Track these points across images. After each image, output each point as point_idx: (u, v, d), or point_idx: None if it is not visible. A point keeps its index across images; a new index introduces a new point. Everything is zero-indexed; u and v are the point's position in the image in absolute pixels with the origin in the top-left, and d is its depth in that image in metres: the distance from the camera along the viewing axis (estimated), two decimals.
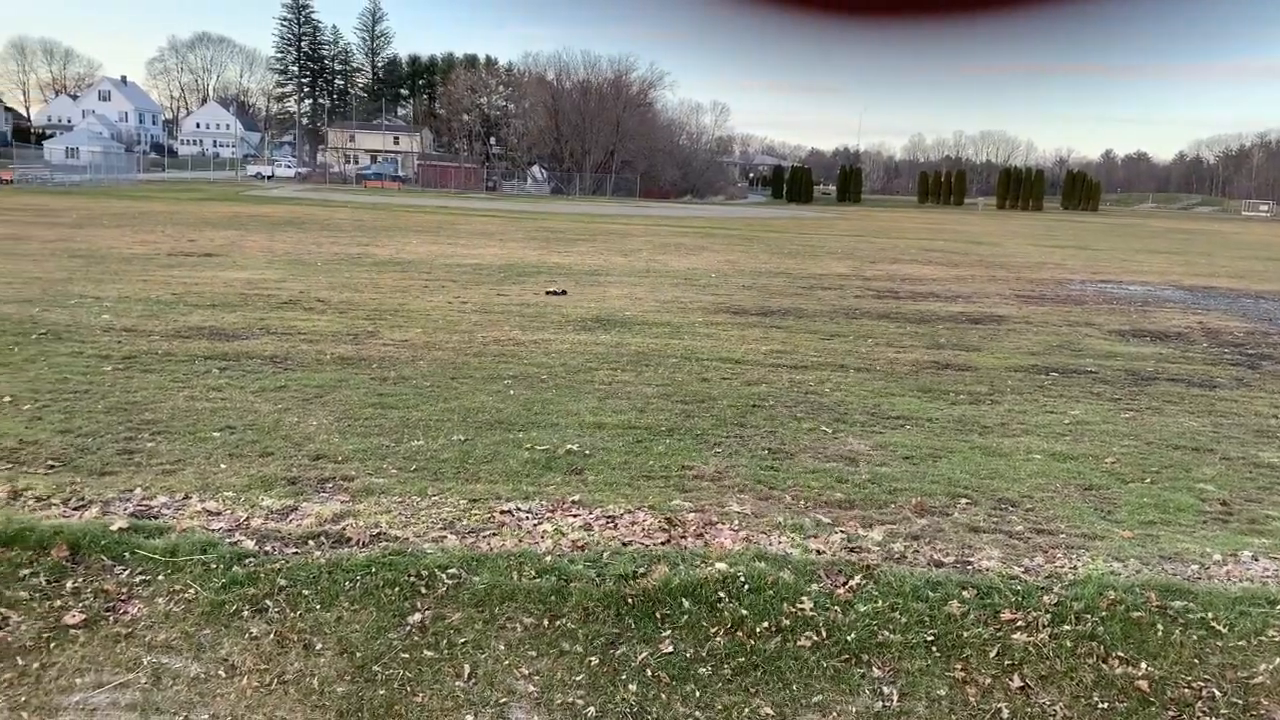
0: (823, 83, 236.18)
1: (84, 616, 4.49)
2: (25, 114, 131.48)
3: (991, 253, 32.58)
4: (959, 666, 4.30)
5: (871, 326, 13.90)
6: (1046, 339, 13.39)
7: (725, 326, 13.22)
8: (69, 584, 4.69)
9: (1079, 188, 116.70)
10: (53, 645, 4.34)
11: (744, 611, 4.52)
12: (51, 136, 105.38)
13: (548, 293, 10.18)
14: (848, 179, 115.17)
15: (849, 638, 4.39)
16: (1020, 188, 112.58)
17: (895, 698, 4.09)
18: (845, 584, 4.78)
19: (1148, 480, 6.89)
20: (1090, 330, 14.50)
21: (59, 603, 4.58)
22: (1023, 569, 5.14)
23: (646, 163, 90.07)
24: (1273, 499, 6.63)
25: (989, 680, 4.24)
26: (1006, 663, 4.33)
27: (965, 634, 4.48)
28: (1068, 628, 4.55)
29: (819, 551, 5.18)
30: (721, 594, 4.63)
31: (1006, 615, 4.61)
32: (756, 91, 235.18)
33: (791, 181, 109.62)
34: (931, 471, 6.81)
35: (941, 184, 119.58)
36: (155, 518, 5.35)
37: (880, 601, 4.65)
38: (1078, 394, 9.77)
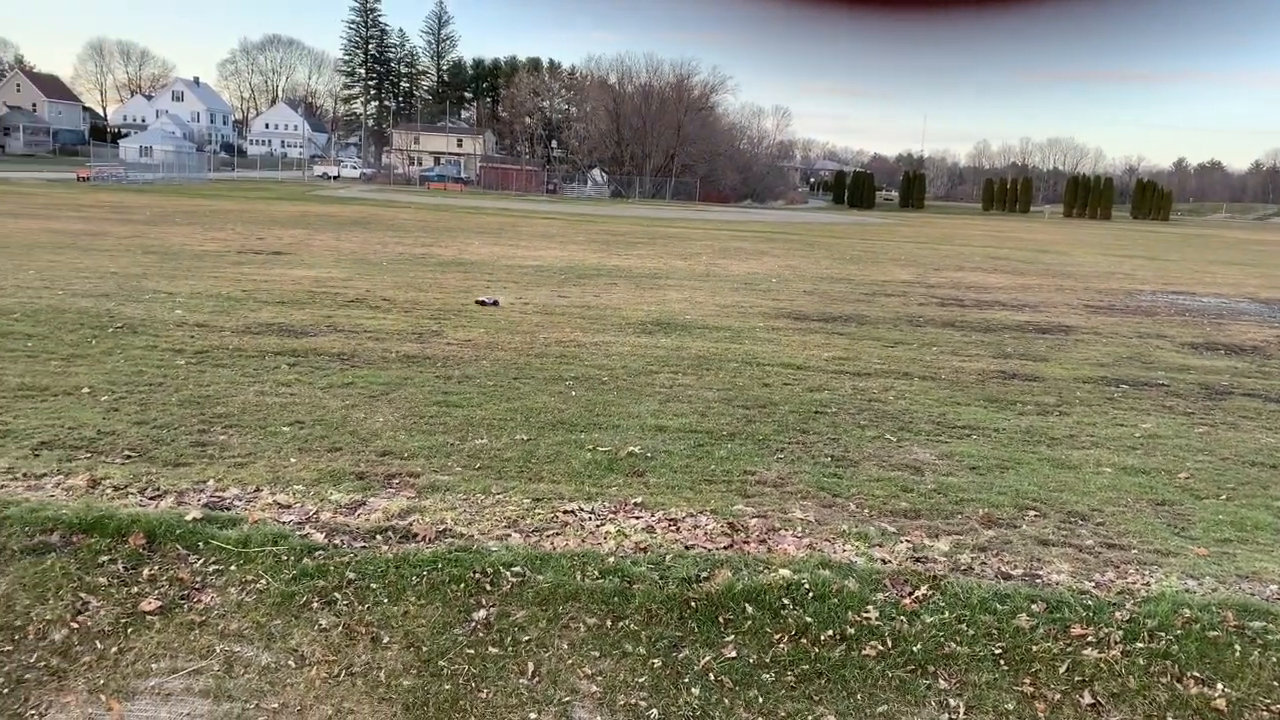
0: (886, 88, 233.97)
1: (160, 603, 4.60)
2: (102, 113, 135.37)
3: (1058, 261, 32.00)
4: (1028, 681, 4.23)
5: (936, 334, 13.73)
6: (1116, 350, 13.11)
7: (787, 332, 13.15)
8: (145, 571, 4.82)
9: (1149, 197, 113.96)
10: (130, 631, 4.46)
11: (808, 619, 4.49)
12: (127, 135, 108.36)
13: (478, 302, 9.64)
14: (911, 185, 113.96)
15: (915, 648, 4.34)
16: (1088, 196, 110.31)
17: (961, 710, 4.04)
18: (911, 594, 4.73)
19: (1223, 497, 6.71)
20: (1162, 342, 14.17)
21: (136, 589, 4.70)
22: (1093, 584, 5.03)
23: (707, 167, 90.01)
24: None
25: (1058, 696, 4.16)
26: (1077, 679, 4.24)
27: (1034, 648, 4.40)
28: (1141, 645, 4.45)
29: (884, 561, 5.12)
30: (785, 600, 4.61)
31: (1077, 630, 4.52)
32: (819, 96, 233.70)
33: (853, 187, 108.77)
34: (999, 482, 6.71)
35: (1007, 191, 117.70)
36: (228, 509, 5.47)
37: (947, 613, 4.59)
38: (1149, 407, 9.55)
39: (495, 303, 8.97)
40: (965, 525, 5.83)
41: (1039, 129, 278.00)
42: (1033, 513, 6.13)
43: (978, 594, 4.74)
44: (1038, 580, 5.06)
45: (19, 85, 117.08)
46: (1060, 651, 4.39)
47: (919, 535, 5.59)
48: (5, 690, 4.19)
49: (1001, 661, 4.32)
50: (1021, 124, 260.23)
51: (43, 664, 4.33)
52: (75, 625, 4.48)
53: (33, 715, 4.10)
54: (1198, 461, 7.57)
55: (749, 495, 6.17)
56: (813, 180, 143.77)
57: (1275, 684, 4.26)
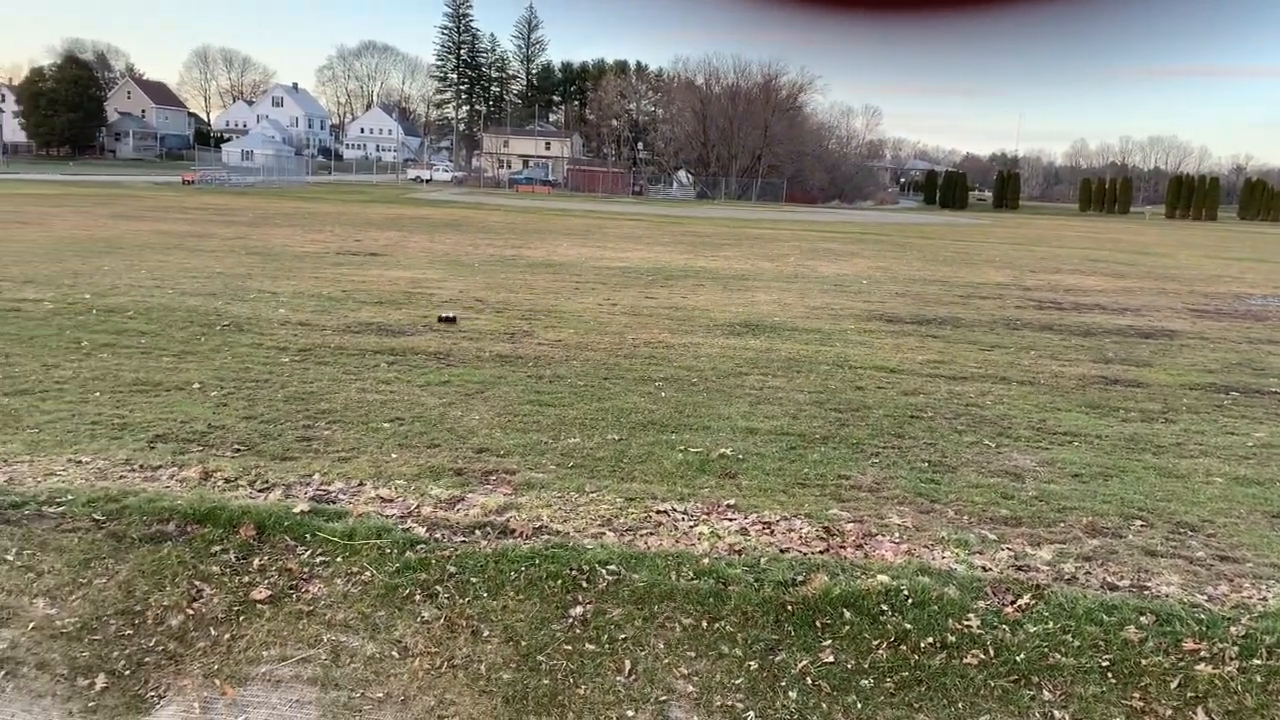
0: (979, 86, 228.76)
1: (270, 593, 4.77)
2: (206, 118, 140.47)
3: (1161, 264, 30.93)
4: (1137, 695, 4.11)
5: (1033, 338, 13.40)
6: (1225, 356, 12.62)
7: (879, 334, 12.98)
8: (256, 561, 4.99)
9: (1258, 197, 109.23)
10: (242, 619, 4.63)
11: (907, 625, 4.43)
12: (229, 140, 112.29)
13: (441, 319, 9.38)
14: (1005, 185, 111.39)
15: (1018, 658, 4.26)
16: (1192, 196, 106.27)
17: None
18: (1013, 602, 4.63)
19: None
20: (1274, 348, 13.59)
21: (247, 579, 4.88)
22: (1205, 597, 4.86)
23: (794, 167, 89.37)
24: None
25: (1170, 712, 4.03)
26: (1189, 695, 4.11)
27: (1144, 662, 4.27)
28: (1258, 662, 4.28)
29: (985, 568, 5.03)
30: (884, 606, 4.56)
31: (1189, 645, 4.37)
32: (910, 95, 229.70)
33: (945, 187, 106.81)
34: (1103, 490, 6.52)
35: (1105, 191, 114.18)
36: (333, 502, 5.63)
37: (1051, 623, 4.48)
38: (1261, 415, 9.17)
39: (454, 319, 8.65)
40: (1068, 534, 5.68)
41: (1139, 127, 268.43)
42: (1139, 522, 5.95)
43: (1083, 604, 4.62)
44: (1146, 592, 4.91)
45: (129, 92, 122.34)
46: (1171, 666, 4.26)
47: (1020, 543, 5.47)
48: (127, 672, 4.39)
49: (1109, 674, 4.21)
50: (1121, 122, 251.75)
51: (160, 648, 4.52)
52: (190, 612, 4.67)
53: (152, 697, 4.28)
54: None
55: (844, 499, 6.12)
56: (903, 180, 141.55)
57: None
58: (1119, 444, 7.79)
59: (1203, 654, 4.33)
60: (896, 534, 5.52)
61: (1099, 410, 8.98)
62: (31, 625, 4.60)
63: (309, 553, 5.02)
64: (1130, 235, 55.00)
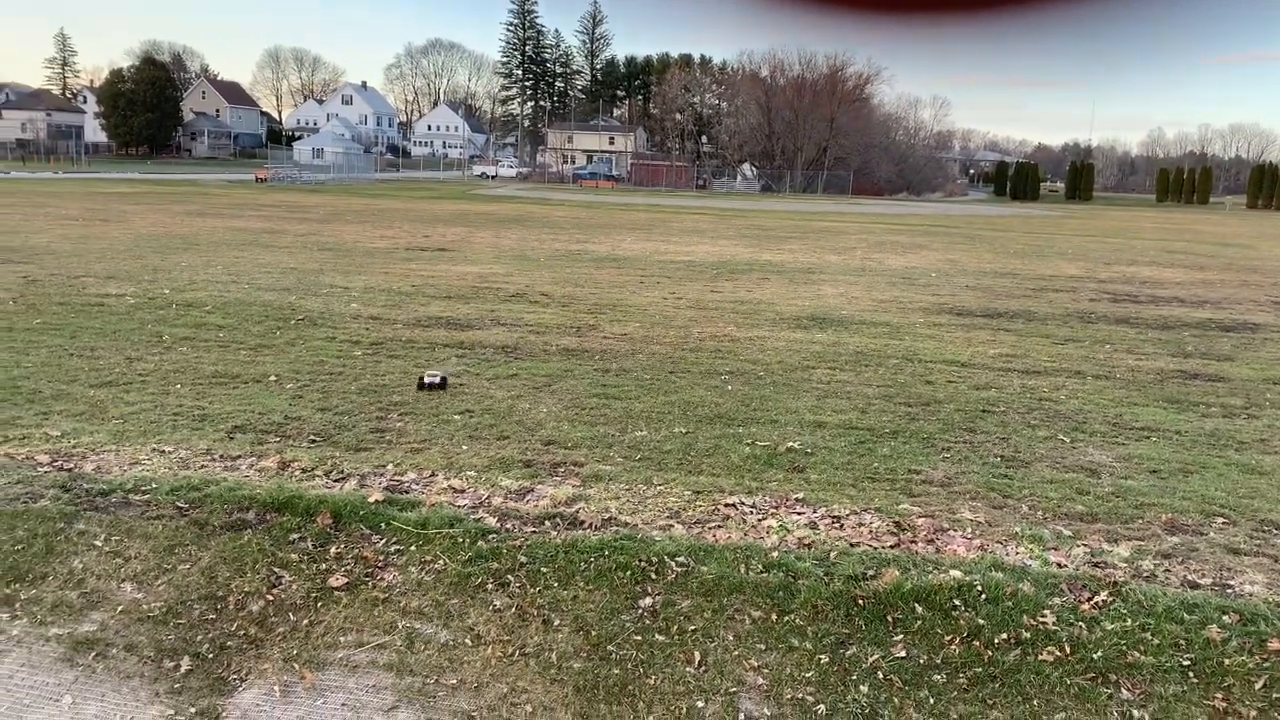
0: (1051, 75, 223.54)
1: (346, 580, 4.87)
2: (278, 117, 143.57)
3: (1242, 256, 29.97)
4: (1219, 696, 4.00)
5: (1109, 331, 13.09)
6: None
7: (949, 328, 12.80)
8: (332, 549, 5.10)
9: None
10: (319, 605, 4.74)
11: (980, 621, 4.38)
12: (300, 138, 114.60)
13: (421, 384, 7.81)
14: (1078, 176, 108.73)
15: (1095, 655, 4.17)
16: (1275, 186, 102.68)
17: None
18: (1090, 599, 4.55)
19: None
20: None
21: (324, 566, 4.99)
22: None
23: (860, 159, 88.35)
24: None
25: (1254, 714, 3.92)
26: (1275, 696, 3.99)
27: (1227, 661, 4.16)
28: None
29: (1060, 565, 4.94)
30: (956, 602, 4.50)
31: (1275, 645, 4.25)
32: (980, 86, 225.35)
33: (1015, 178, 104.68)
34: (1182, 487, 6.36)
35: (1183, 181, 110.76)
36: (406, 492, 5.73)
37: (1129, 620, 4.39)
38: None
39: (443, 383, 7.83)
40: (1147, 530, 5.56)
41: (1219, 114, 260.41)
42: (1221, 519, 5.79)
43: (1163, 602, 4.51)
44: (1229, 590, 4.78)
45: (204, 92, 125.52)
46: (1256, 666, 4.14)
47: (1097, 539, 5.36)
48: (210, 655, 4.52)
49: (1190, 674, 4.11)
50: (1200, 109, 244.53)
51: (242, 633, 4.65)
52: (270, 598, 4.79)
53: (234, 679, 4.40)
54: None
55: (914, 494, 6.05)
56: (972, 171, 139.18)
57: None
58: (1199, 440, 7.58)
59: None
60: (969, 529, 5.44)
61: (1178, 405, 8.75)
62: (119, 609, 4.76)
63: (384, 541, 5.12)
64: (1210, 226, 53.37)
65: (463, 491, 5.76)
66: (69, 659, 4.47)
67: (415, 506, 5.43)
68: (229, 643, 4.58)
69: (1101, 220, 56.37)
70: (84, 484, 5.73)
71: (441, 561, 4.91)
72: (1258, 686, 4.04)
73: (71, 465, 6.07)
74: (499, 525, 5.25)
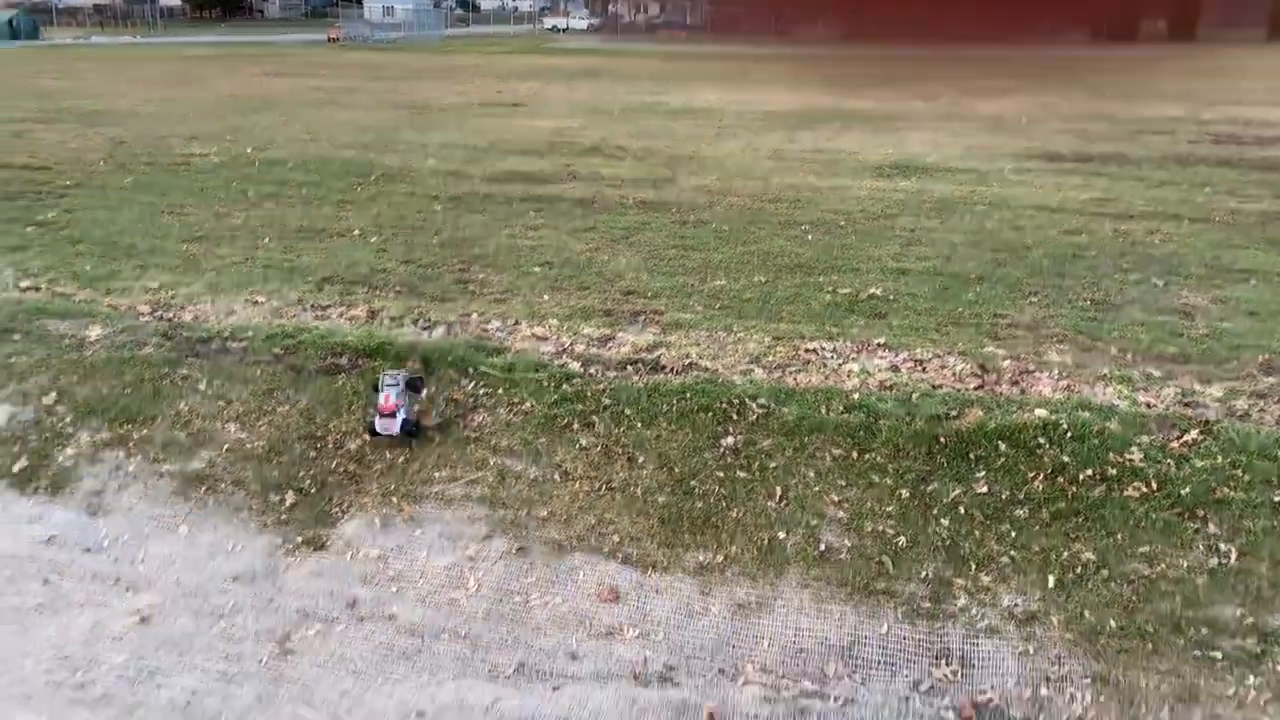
0: None
1: (439, 421, 5.05)
2: None
3: None
4: None
5: (1209, 174, 12.47)
6: None
7: (1039, 173, 12.33)
8: (424, 392, 5.27)
9: None
10: (414, 443, 4.93)
11: (1065, 458, 4.37)
12: None
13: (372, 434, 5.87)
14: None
15: (1182, 491, 4.15)
16: None
17: (1233, 555, 3.86)
18: (1179, 438, 4.49)
19: None
20: None
21: (417, 407, 5.16)
22: None
23: None
24: None
25: None
26: None
27: None
28: None
29: (1149, 405, 4.87)
30: (1041, 440, 4.49)
31: None
32: None
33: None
34: None
35: None
36: (491, 340, 5.85)
37: (1219, 458, 4.34)
38: None
39: (413, 432, 5.58)
40: (1242, 371, 5.42)
41: None
42: None
43: (1256, 440, 4.44)
44: None
45: None
46: None
47: (1188, 380, 5.25)
48: (313, 490, 4.77)
49: None
50: None
51: (341, 470, 4.88)
52: (367, 437, 4.99)
53: (336, 512, 4.66)
54: None
55: (1000, 338, 5.97)
56: None
57: None
58: None
59: None
60: (1055, 371, 5.38)
61: None
62: (225, 447, 5.03)
63: (473, 385, 5.27)
64: None
65: (546, 339, 5.86)
66: (182, 493, 4.76)
67: (501, 353, 5.55)
68: (329, 479, 4.82)
69: (1206, 59, 52.96)
70: (184, 332, 5.98)
71: (529, 404, 5.04)
72: None
73: (171, 315, 6.31)
74: (582, 370, 5.35)
